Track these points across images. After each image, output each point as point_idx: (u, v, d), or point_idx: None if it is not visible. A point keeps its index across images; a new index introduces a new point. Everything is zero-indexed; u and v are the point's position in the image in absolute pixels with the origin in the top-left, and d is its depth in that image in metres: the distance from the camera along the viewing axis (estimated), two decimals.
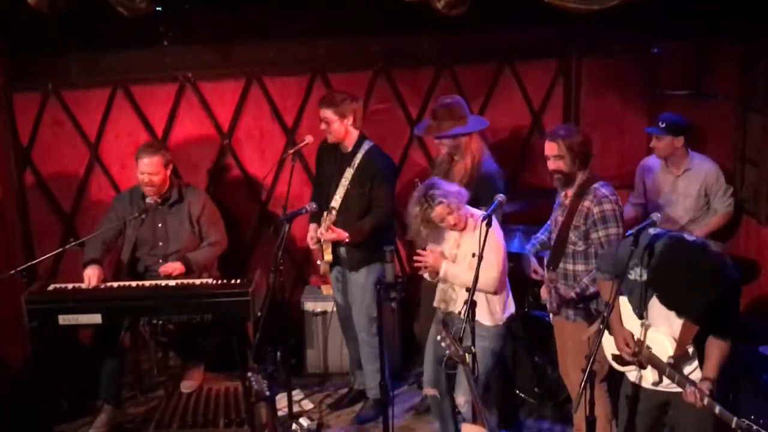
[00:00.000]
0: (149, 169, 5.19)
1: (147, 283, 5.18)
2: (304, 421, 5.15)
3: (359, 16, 5.53)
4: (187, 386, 5.54)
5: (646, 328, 3.76)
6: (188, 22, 5.51)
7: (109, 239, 5.33)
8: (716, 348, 3.61)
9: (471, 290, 3.97)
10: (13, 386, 5.40)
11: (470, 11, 4.04)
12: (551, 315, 4.58)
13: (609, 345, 3.96)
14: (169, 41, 5.66)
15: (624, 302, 3.86)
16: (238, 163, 6.05)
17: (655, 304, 3.64)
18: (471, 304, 3.96)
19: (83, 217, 5.94)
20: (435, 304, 4.62)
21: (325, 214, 5.08)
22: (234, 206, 5.99)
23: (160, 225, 5.36)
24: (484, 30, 5.65)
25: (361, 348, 5.32)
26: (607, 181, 4.34)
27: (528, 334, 5.21)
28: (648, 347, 3.76)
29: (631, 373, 3.92)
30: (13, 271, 4.86)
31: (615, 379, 4.24)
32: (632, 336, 3.82)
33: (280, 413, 5.20)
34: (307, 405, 5.56)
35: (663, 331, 3.71)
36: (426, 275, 4.51)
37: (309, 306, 5.87)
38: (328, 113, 5.01)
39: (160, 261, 5.32)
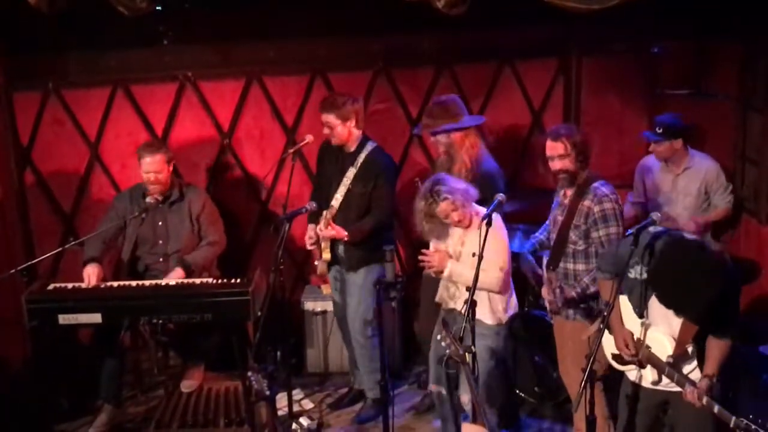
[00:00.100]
0: (154, 168, 5.19)
1: (147, 282, 5.17)
2: (304, 421, 5.14)
3: (359, 15, 5.53)
4: (187, 386, 5.54)
5: (646, 327, 3.77)
6: (188, 21, 5.51)
7: (109, 238, 5.32)
8: (716, 347, 3.61)
9: (471, 289, 3.97)
10: (13, 386, 5.40)
11: (470, 11, 4.04)
12: (551, 315, 4.58)
13: (609, 344, 3.96)
14: (169, 41, 5.66)
15: (624, 301, 3.86)
16: (238, 162, 6.05)
17: (654, 303, 3.64)
18: (471, 304, 3.96)
19: (83, 216, 5.95)
20: (437, 299, 4.62)
21: (324, 211, 5.08)
22: (234, 206, 5.99)
23: (160, 223, 5.36)
24: (484, 29, 5.65)
25: (355, 350, 5.33)
26: (607, 180, 4.34)
27: (528, 333, 5.20)
28: (648, 346, 3.77)
29: (631, 372, 3.92)
30: (13, 271, 4.85)
31: (614, 378, 4.23)
32: (632, 336, 3.82)
33: (280, 413, 5.20)
34: (307, 404, 5.56)
35: (662, 330, 3.72)
36: (431, 273, 4.50)
37: (309, 305, 5.87)
38: (330, 118, 5.01)
39: (161, 260, 5.32)
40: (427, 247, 4.60)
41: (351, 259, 5.15)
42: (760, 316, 5.36)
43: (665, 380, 3.75)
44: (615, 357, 3.94)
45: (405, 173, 5.95)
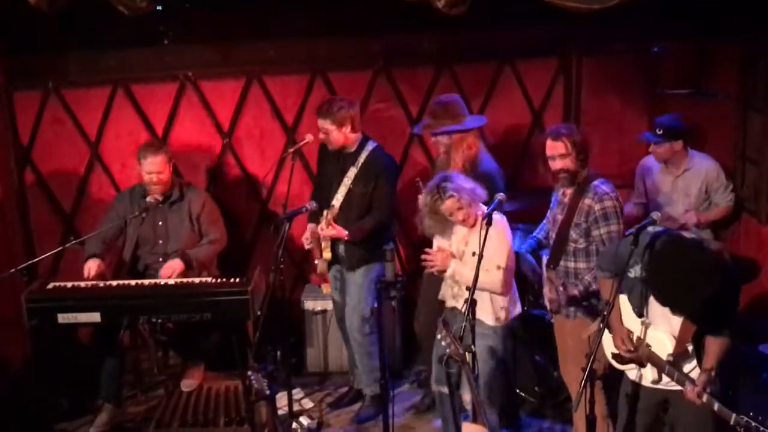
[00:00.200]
0: (155, 168, 5.19)
1: (146, 281, 5.17)
2: (304, 420, 5.16)
3: (359, 15, 5.53)
4: (187, 385, 5.55)
5: (646, 326, 3.77)
6: (188, 21, 5.51)
7: (109, 238, 5.33)
8: (714, 344, 3.62)
9: (471, 289, 3.97)
10: (13, 386, 5.40)
11: (470, 10, 4.04)
12: (551, 314, 4.58)
13: (609, 344, 3.96)
14: (170, 40, 5.66)
15: (624, 301, 3.86)
16: (238, 162, 6.05)
17: (654, 303, 3.64)
18: (471, 303, 3.97)
19: (83, 216, 5.95)
20: (440, 296, 4.62)
21: (325, 211, 5.08)
22: (234, 205, 5.99)
23: (160, 223, 5.36)
24: (485, 29, 5.65)
25: (354, 348, 5.33)
26: (607, 180, 4.34)
27: (528, 333, 5.20)
28: (648, 345, 3.77)
29: (631, 371, 3.93)
30: (13, 270, 4.85)
31: (614, 377, 4.23)
32: (630, 334, 3.83)
33: (280, 412, 5.19)
34: (308, 404, 5.56)
35: (662, 329, 3.72)
36: (434, 272, 4.50)
37: (309, 305, 5.87)
38: (325, 123, 5.02)
39: (161, 259, 5.32)
40: (428, 246, 4.60)
41: (351, 259, 5.15)
42: (760, 316, 5.36)
43: (665, 379, 3.75)
44: (615, 356, 3.94)
45: (405, 173, 5.95)
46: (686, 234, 3.80)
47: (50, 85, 5.73)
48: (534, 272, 4.63)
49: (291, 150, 5.34)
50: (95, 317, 4.90)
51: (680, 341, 3.66)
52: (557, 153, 4.24)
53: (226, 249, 5.53)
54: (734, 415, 3.40)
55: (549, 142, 4.29)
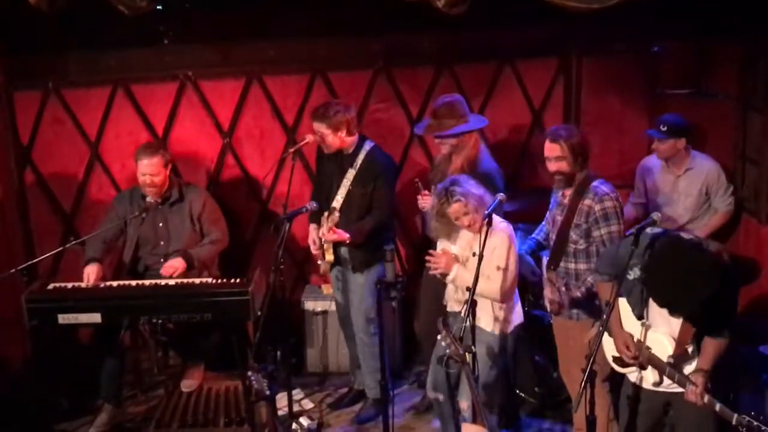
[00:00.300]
0: (149, 170, 5.19)
1: (147, 282, 5.18)
2: (304, 421, 5.15)
3: (359, 15, 5.52)
4: (187, 385, 5.55)
5: (646, 328, 3.76)
6: (188, 21, 5.51)
7: (109, 239, 5.33)
8: (711, 344, 3.63)
9: (471, 290, 3.98)
10: (13, 386, 5.40)
11: (470, 10, 4.04)
12: (552, 315, 4.58)
13: (609, 346, 3.96)
14: (170, 40, 5.66)
15: (623, 303, 3.86)
16: (238, 162, 6.05)
17: (654, 304, 3.64)
18: (471, 304, 3.97)
19: (83, 216, 5.94)
20: (444, 301, 4.62)
21: (326, 214, 5.08)
22: (234, 205, 5.99)
23: (161, 224, 5.36)
24: (485, 29, 5.65)
25: (359, 348, 5.32)
26: (607, 180, 4.34)
27: (528, 333, 5.19)
28: (648, 347, 3.76)
29: (632, 374, 3.92)
30: (13, 270, 4.86)
31: (616, 379, 4.23)
32: (632, 338, 3.82)
33: (280, 412, 5.20)
34: (308, 404, 5.56)
35: (662, 330, 3.72)
36: (437, 275, 4.50)
37: (309, 305, 5.87)
38: (321, 127, 5.03)
39: (162, 260, 5.32)
40: (428, 246, 4.60)
41: (354, 260, 5.15)
42: (760, 316, 5.36)
43: (666, 381, 3.75)
44: (615, 359, 3.94)
45: (405, 173, 5.95)
46: (685, 235, 3.79)
47: (50, 85, 5.73)
48: (533, 273, 4.63)
49: (291, 150, 5.34)
50: (96, 318, 4.90)
51: (680, 342, 3.66)
52: (553, 155, 4.26)
53: (227, 249, 5.53)
54: (736, 416, 3.40)
55: (546, 144, 4.31)
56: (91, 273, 5.08)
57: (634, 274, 3.72)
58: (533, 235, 4.72)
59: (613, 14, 3.90)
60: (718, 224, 5.51)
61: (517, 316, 4.49)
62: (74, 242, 5.37)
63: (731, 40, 5.71)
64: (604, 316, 3.72)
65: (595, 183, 4.25)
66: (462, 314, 4.04)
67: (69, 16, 4.41)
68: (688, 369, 3.70)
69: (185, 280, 5.15)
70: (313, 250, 5.25)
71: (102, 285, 5.08)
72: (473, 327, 4.12)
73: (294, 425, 5.10)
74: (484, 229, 4.04)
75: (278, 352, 5.07)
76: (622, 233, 4.17)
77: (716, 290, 3.38)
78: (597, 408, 3.68)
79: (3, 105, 5.61)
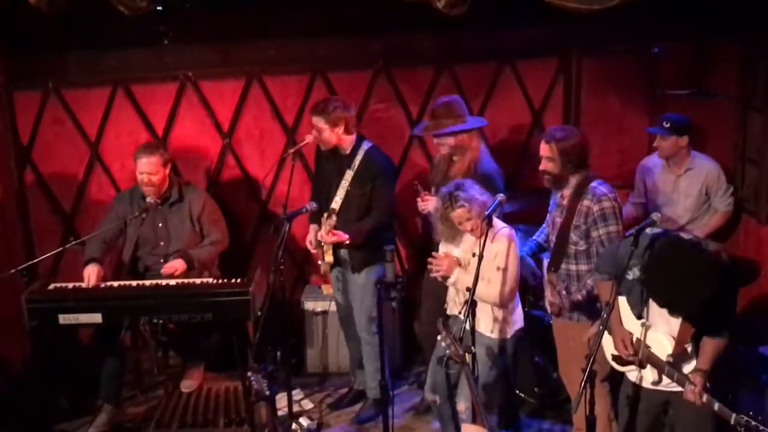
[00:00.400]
0: (148, 169, 5.19)
1: (147, 282, 5.18)
2: (304, 421, 5.16)
3: (359, 15, 5.52)
4: (187, 386, 5.55)
5: (646, 328, 3.77)
6: (188, 21, 5.51)
7: (109, 239, 5.33)
8: (710, 345, 3.63)
9: (471, 290, 3.98)
10: (13, 386, 5.40)
11: (470, 11, 4.04)
12: (552, 316, 4.58)
13: (609, 345, 3.96)
14: (170, 40, 5.66)
15: (623, 302, 3.86)
16: (238, 162, 6.05)
17: (653, 304, 3.65)
18: (471, 304, 3.97)
19: (83, 216, 5.94)
20: (445, 304, 4.62)
21: (325, 216, 5.08)
22: (234, 206, 5.99)
23: (160, 224, 5.36)
24: (485, 29, 5.65)
25: (362, 347, 5.32)
26: (607, 180, 4.34)
27: (528, 334, 5.18)
28: (647, 346, 3.77)
29: (632, 373, 3.93)
30: (13, 271, 4.85)
31: (615, 378, 4.23)
32: (631, 337, 3.83)
33: (280, 413, 5.20)
34: (307, 405, 5.56)
35: (662, 330, 3.72)
36: (438, 277, 4.50)
37: (309, 305, 5.87)
38: (319, 121, 5.03)
39: (162, 260, 5.32)
40: (428, 247, 4.60)
41: (354, 261, 5.15)
42: (760, 317, 5.36)
43: (665, 380, 3.76)
44: (615, 358, 3.94)
45: (405, 173, 5.95)
46: (685, 235, 3.80)
47: (50, 85, 5.73)
48: (534, 275, 4.63)
49: (291, 150, 5.34)
50: (96, 318, 4.90)
51: (679, 342, 3.66)
52: (543, 155, 4.32)
53: (227, 249, 5.53)
54: (734, 415, 3.41)
55: (541, 143, 4.35)
56: (91, 273, 5.08)
57: (633, 274, 3.73)
58: (534, 237, 4.72)
59: (613, 14, 3.91)
60: (718, 224, 5.52)
61: (518, 320, 4.49)
62: (74, 242, 5.37)
63: (731, 40, 5.72)
64: (604, 315, 3.72)
65: (593, 184, 4.26)
66: (462, 316, 4.04)
67: (69, 17, 4.41)
68: (687, 368, 3.71)
69: (185, 281, 5.16)
70: (311, 249, 5.24)
71: (102, 285, 5.08)
72: (473, 329, 4.12)
73: (294, 425, 5.11)
74: (484, 230, 4.04)
75: (278, 353, 5.07)
76: (621, 233, 4.17)
77: (716, 290, 3.39)
78: (597, 408, 3.68)
79: (3, 105, 5.61)
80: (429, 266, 4.47)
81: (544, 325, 5.05)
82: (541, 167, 4.34)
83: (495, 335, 4.38)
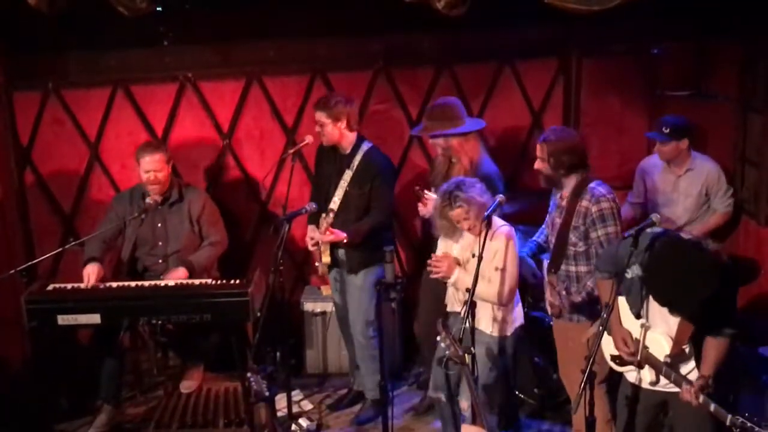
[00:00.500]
0: (154, 167, 5.19)
1: (146, 283, 5.17)
2: (303, 422, 5.16)
3: (359, 15, 5.52)
4: (186, 386, 5.55)
5: (645, 328, 3.77)
6: (188, 21, 5.50)
7: (109, 239, 5.33)
8: (713, 347, 3.62)
9: (471, 291, 3.98)
10: (13, 386, 5.41)
11: (470, 11, 4.04)
12: (552, 317, 4.58)
13: (608, 346, 3.96)
14: (170, 41, 5.65)
15: (622, 302, 3.86)
16: (238, 163, 6.05)
17: (653, 303, 3.65)
18: (471, 305, 3.97)
19: (83, 216, 5.94)
20: (446, 300, 4.62)
21: (323, 215, 5.08)
22: (234, 206, 5.99)
23: (159, 225, 5.35)
24: (484, 30, 5.64)
25: (356, 350, 5.32)
26: (607, 181, 4.34)
27: (528, 335, 5.18)
28: (646, 347, 3.77)
29: (630, 373, 3.93)
30: (12, 271, 4.85)
31: (614, 379, 4.23)
32: (630, 336, 3.83)
33: (279, 414, 5.20)
34: (307, 405, 5.56)
35: (660, 330, 3.72)
36: (438, 278, 4.49)
37: (309, 306, 5.87)
38: (321, 116, 5.03)
39: (160, 261, 5.32)
40: (428, 249, 4.59)
41: (351, 262, 5.15)
42: (760, 318, 5.35)
43: (664, 380, 3.76)
44: (614, 358, 3.94)
45: (404, 174, 5.96)
46: (684, 235, 3.81)
47: (50, 85, 5.73)
48: (534, 276, 4.62)
49: (291, 151, 5.35)
50: (95, 319, 4.90)
51: (677, 342, 3.66)
52: (537, 155, 4.37)
53: (227, 250, 5.52)
54: (730, 416, 3.41)
55: (538, 143, 4.38)
56: (91, 273, 5.08)
57: (632, 272, 3.73)
58: (534, 238, 4.72)
59: (612, 15, 3.90)
60: (716, 224, 5.52)
61: (518, 318, 4.49)
62: (74, 243, 5.37)
63: (731, 41, 5.71)
64: (604, 315, 3.72)
65: (592, 185, 4.26)
66: (462, 315, 4.04)
67: (69, 17, 4.40)
68: (685, 369, 3.71)
69: (184, 281, 5.15)
70: (309, 246, 5.24)
71: (101, 286, 5.07)
72: (472, 329, 4.12)
73: (293, 426, 5.11)
74: (483, 231, 4.04)
75: (278, 353, 5.07)
76: (620, 234, 4.17)
77: (716, 290, 3.39)
78: (595, 409, 3.68)
79: (3, 105, 5.61)
80: (428, 268, 4.46)
81: (544, 326, 5.05)
82: (535, 166, 4.39)
83: (495, 333, 4.38)
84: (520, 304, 4.53)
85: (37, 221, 5.90)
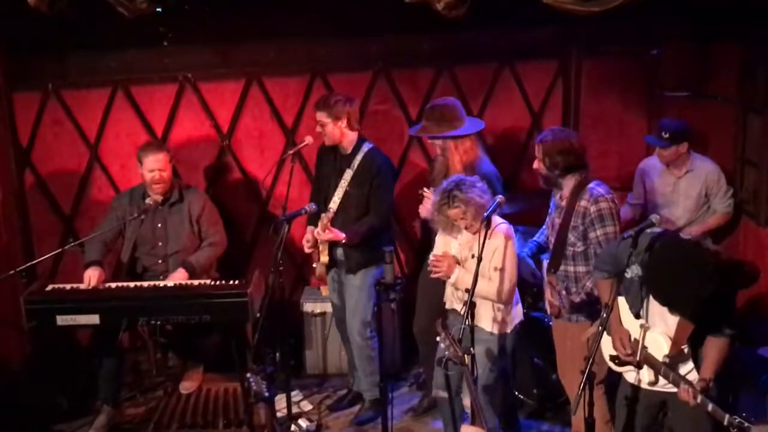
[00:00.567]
0: (159, 165, 5.19)
1: (145, 283, 5.17)
2: (303, 422, 5.16)
3: (359, 16, 5.52)
4: (186, 387, 5.55)
5: (644, 329, 3.77)
6: (188, 22, 5.50)
7: (109, 239, 5.33)
8: (713, 348, 3.62)
9: (470, 291, 3.98)
10: (13, 386, 5.40)
11: (470, 12, 4.04)
12: (552, 318, 4.58)
13: (607, 346, 3.96)
14: (169, 42, 5.66)
15: (621, 302, 3.87)
16: (237, 163, 6.05)
17: (652, 303, 3.66)
18: (470, 306, 3.97)
19: (83, 217, 5.95)
20: (445, 298, 4.62)
21: (322, 215, 5.08)
22: (233, 207, 5.99)
23: (159, 225, 5.36)
24: (484, 31, 5.65)
25: (354, 350, 5.33)
26: (606, 182, 4.34)
27: (527, 335, 5.19)
28: (644, 347, 3.77)
29: (629, 373, 3.93)
30: (12, 271, 4.86)
31: (613, 381, 4.23)
32: (629, 336, 3.83)
33: (279, 414, 5.19)
34: (306, 406, 5.56)
35: (659, 330, 3.72)
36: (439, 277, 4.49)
37: (308, 307, 5.87)
38: (322, 116, 5.04)
39: (160, 261, 5.32)
40: (428, 249, 4.59)
41: (349, 262, 5.15)
42: (759, 319, 5.35)
43: (663, 381, 3.75)
44: (613, 358, 3.95)
45: (404, 174, 5.96)
46: (684, 235, 3.81)
47: (50, 86, 5.74)
48: (534, 276, 4.63)
49: (290, 152, 5.34)
50: (94, 319, 4.90)
51: (676, 342, 3.66)
52: (535, 154, 4.38)
53: (226, 251, 5.52)
54: (727, 416, 3.41)
55: (535, 143, 4.40)
56: (92, 277, 5.08)
57: (631, 272, 3.73)
58: (534, 238, 4.72)
59: (612, 16, 3.90)
60: (716, 224, 5.52)
61: (517, 316, 4.49)
62: (73, 243, 5.38)
63: (730, 42, 5.71)
64: (604, 315, 3.72)
65: (591, 185, 4.26)
66: (461, 314, 4.05)
67: (69, 18, 4.40)
68: (683, 369, 3.71)
69: (184, 282, 5.15)
70: (306, 248, 5.24)
71: (101, 286, 5.07)
72: (472, 328, 4.12)
73: (293, 427, 5.11)
74: (482, 231, 4.04)
75: (277, 354, 5.07)
76: (619, 234, 4.17)
77: (715, 289, 3.39)
78: (594, 410, 3.68)
79: (3, 106, 5.60)
80: (428, 268, 4.46)
81: (544, 326, 5.05)
82: (533, 166, 4.40)
83: (495, 331, 4.38)
84: (519, 302, 4.53)
85: (37, 222, 5.91)
